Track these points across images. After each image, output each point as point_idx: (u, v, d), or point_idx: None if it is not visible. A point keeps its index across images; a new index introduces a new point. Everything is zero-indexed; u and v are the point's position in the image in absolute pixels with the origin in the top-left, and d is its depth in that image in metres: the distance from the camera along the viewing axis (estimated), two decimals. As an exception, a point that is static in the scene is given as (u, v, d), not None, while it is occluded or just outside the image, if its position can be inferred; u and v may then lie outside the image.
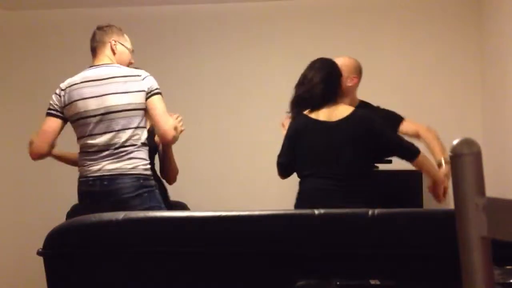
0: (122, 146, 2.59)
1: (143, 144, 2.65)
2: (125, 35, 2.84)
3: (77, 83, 2.65)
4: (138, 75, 2.66)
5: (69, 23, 4.47)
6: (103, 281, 1.75)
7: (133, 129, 2.60)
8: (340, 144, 2.57)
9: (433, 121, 3.83)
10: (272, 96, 4.31)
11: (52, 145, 2.72)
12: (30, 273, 3.24)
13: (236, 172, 4.26)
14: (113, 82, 2.63)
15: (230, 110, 4.33)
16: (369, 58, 3.55)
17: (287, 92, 4.35)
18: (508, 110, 3.50)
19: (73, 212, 3.46)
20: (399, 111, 3.10)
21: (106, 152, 2.58)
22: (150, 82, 2.67)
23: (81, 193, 2.63)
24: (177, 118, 2.83)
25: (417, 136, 2.95)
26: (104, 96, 2.61)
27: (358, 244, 1.69)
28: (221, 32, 4.39)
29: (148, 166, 2.66)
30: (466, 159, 0.70)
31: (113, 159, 2.57)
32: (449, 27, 4.15)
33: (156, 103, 2.63)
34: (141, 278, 1.73)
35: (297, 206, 2.62)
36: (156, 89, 2.67)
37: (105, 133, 2.60)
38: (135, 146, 2.60)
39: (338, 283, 1.47)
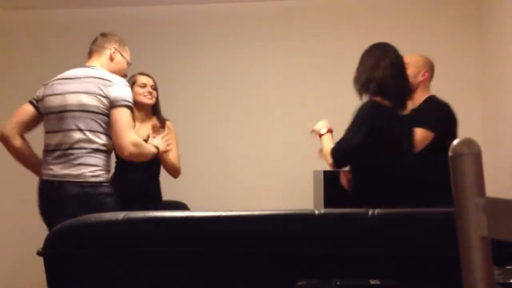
0: (71, 148, 2.49)
1: (97, 150, 2.51)
2: (126, 47, 2.81)
3: (57, 79, 2.62)
4: (108, 80, 2.55)
5: (69, 23, 4.47)
6: (103, 281, 1.75)
7: (85, 132, 2.49)
8: None
9: (433, 121, 3.84)
10: (273, 96, 4.31)
11: (20, 129, 2.63)
12: (30, 273, 3.24)
13: (236, 172, 4.26)
14: (80, 82, 2.56)
15: (230, 110, 4.33)
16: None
17: (287, 92, 4.37)
18: (507, 110, 3.50)
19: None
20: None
21: (57, 153, 2.51)
22: (120, 92, 2.54)
23: (38, 194, 2.56)
24: (163, 138, 2.86)
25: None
26: (65, 94, 2.54)
27: (358, 244, 1.69)
28: (221, 32, 4.39)
29: (99, 173, 2.50)
30: (466, 159, 0.70)
31: (62, 162, 2.49)
32: (449, 27, 4.15)
33: (118, 115, 2.50)
34: (141, 278, 1.73)
35: None
36: (124, 101, 2.53)
37: (59, 131, 2.53)
38: (86, 150, 2.49)
39: (338, 283, 1.47)
